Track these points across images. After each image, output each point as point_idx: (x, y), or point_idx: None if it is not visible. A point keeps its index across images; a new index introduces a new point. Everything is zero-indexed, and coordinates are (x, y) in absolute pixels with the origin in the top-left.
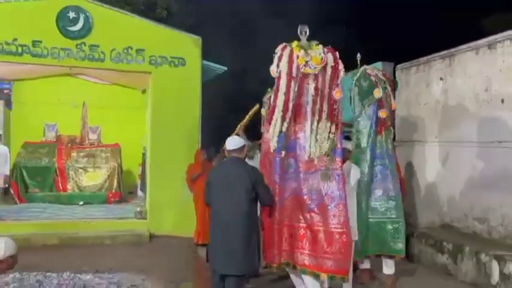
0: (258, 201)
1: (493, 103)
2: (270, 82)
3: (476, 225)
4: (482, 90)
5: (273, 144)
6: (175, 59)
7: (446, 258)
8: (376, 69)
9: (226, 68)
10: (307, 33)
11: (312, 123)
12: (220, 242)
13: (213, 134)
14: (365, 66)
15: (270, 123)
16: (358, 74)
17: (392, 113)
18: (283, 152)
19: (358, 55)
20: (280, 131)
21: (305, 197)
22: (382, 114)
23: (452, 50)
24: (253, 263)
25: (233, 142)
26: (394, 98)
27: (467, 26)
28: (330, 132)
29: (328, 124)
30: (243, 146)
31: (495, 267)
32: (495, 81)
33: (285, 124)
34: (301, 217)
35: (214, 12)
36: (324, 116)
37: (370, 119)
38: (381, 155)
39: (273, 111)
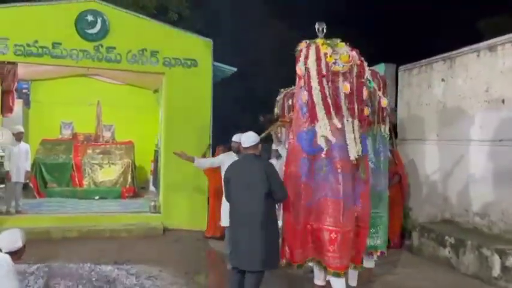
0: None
1: (494, 103)
2: (276, 82)
3: (477, 220)
4: (482, 91)
5: (324, 146)
6: (188, 60)
7: (448, 252)
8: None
9: (236, 69)
10: (325, 31)
11: (353, 123)
12: (241, 239)
13: (223, 132)
14: None
15: (312, 121)
16: None
17: (383, 109)
18: (325, 150)
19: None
20: (327, 131)
21: (341, 200)
22: (365, 112)
23: (454, 52)
24: (273, 258)
25: (249, 139)
26: (385, 95)
27: (463, 29)
28: (361, 132)
29: (358, 123)
30: (258, 143)
31: (496, 260)
32: (496, 82)
33: (335, 121)
34: (329, 219)
35: (222, 17)
36: (356, 114)
37: None
38: (367, 151)
39: (314, 109)
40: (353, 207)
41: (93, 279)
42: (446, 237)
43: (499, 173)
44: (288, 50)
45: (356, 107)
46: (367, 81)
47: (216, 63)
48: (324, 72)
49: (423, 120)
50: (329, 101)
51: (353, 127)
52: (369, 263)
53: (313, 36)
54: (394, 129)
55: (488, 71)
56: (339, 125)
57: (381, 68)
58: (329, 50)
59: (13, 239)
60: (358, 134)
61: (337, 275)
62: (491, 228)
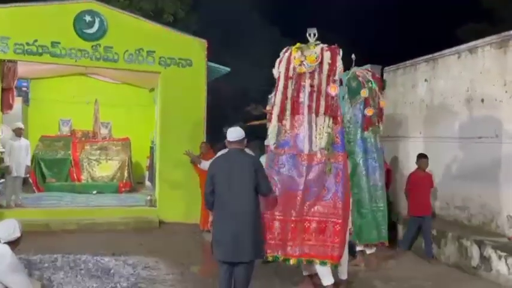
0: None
1: (474, 103)
2: (268, 82)
3: (458, 213)
4: (463, 90)
5: (270, 140)
6: (183, 60)
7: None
8: (365, 71)
9: (229, 69)
10: (316, 35)
11: (309, 119)
12: (229, 231)
13: (216, 129)
14: (355, 68)
15: (270, 122)
16: (349, 75)
17: (380, 110)
18: (272, 146)
19: (353, 56)
20: (277, 129)
21: (300, 191)
22: (369, 112)
23: (436, 54)
24: (260, 248)
25: (235, 133)
26: (383, 96)
27: (444, 34)
28: (328, 127)
29: (326, 119)
30: (244, 138)
31: (476, 250)
32: (476, 82)
33: (283, 121)
34: (293, 211)
35: (217, 19)
36: (322, 111)
37: (356, 116)
38: (370, 149)
39: (272, 110)
40: (319, 199)
41: (92, 269)
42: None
43: (478, 168)
44: (279, 52)
45: (322, 103)
46: (369, 83)
47: (210, 63)
48: (291, 74)
49: (407, 119)
50: (287, 101)
51: (315, 123)
52: (369, 249)
53: (303, 39)
54: None
55: (468, 72)
56: (290, 125)
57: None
58: (298, 53)
59: (11, 229)
60: (324, 129)
61: (323, 263)
62: (471, 221)
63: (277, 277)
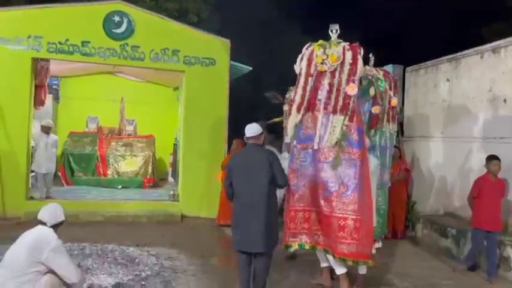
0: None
1: (496, 103)
2: (288, 81)
3: None
4: (485, 90)
5: (289, 135)
6: (207, 59)
7: (450, 242)
8: (375, 69)
9: (251, 68)
10: (338, 31)
11: (325, 117)
12: (244, 222)
13: (238, 127)
14: (365, 67)
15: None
16: (362, 74)
17: (392, 108)
18: (294, 142)
19: (371, 55)
20: (296, 124)
21: (320, 185)
22: (375, 110)
23: (459, 54)
24: (274, 239)
25: (252, 129)
26: (395, 95)
27: (469, 34)
28: (343, 124)
29: (341, 117)
30: (261, 133)
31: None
32: (498, 82)
33: (299, 117)
34: (315, 202)
35: (240, 19)
36: (338, 109)
37: (365, 115)
38: (373, 147)
39: (291, 106)
40: (339, 195)
41: (118, 258)
42: (448, 229)
43: None
44: (300, 51)
45: (340, 102)
46: (379, 81)
47: (233, 62)
48: (312, 71)
49: (428, 119)
50: (305, 98)
51: (331, 120)
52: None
53: (324, 37)
54: (400, 127)
55: (491, 72)
56: (308, 122)
57: (389, 69)
58: (320, 51)
59: (57, 212)
60: (339, 127)
61: (325, 251)
62: None
63: (295, 268)
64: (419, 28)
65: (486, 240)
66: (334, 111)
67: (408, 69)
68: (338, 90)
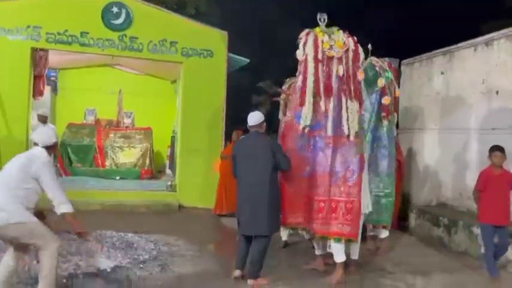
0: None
1: (489, 94)
2: (285, 74)
3: (470, 203)
4: (479, 83)
5: (307, 122)
6: (204, 51)
7: (442, 231)
8: (381, 60)
9: (249, 60)
10: (326, 20)
11: (340, 102)
12: (246, 206)
13: (235, 118)
14: (371, 58)
15: (301, 105)
16: (366, 65)
17: (395, 99)
18: (307, 128)
19: (369, 46)
20: (312, 110)
21: (327, 173)
22: (386, 101)
23: (453, 47)
24: (275, 224)
25: (253, 118)
26: (399, 86)
27: (467, 29)
28: (357, 111)
29: (355, 103)
30: (263, 121)
31: None
32: (491, 75)
33: (316, 103)
34: (320, 191)
35: (238, 12)
36: (352, 95)
37: (372, 105)
38: (381, 137)
39: (304, 93)
40: (342, 180)
41: (116, 243)
42: (441, 218)
43: None
44: (297, 44)
45: (352, 88)
46: (385, 72)
47: (231, 54)
48: (320, 57)
49: (423, 111)
50: (321, 84)
51: (347, 106)
52: (383, 234)
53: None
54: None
55: (484, 64)
56: (324, 107)
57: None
58: (325, 37)
59: (49, 134)
60: (355, 113)
61: (322, 238)
62: None
63: (289, 256)
64: (418, 23)
65: (496, 235)
66: (349, 97)
67: (404, 62)
68: (348, 76)
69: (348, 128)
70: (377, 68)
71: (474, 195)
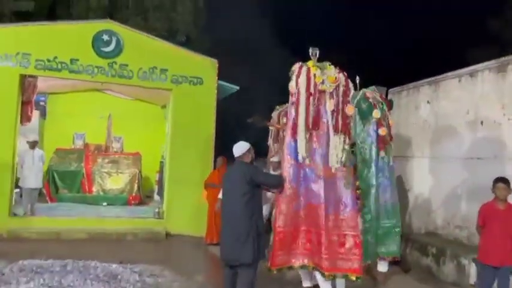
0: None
1: (474, 125)
2: (275, 101)
3: (457, 232)
4: (464, 113)
5: (302, 155)
6: (194, 78)
7: (430, 261)
8: (374, 92)
9: (238, 88)
10: (317, 55)
11: (329, 135)
12: (227, 235)
13: (225, 145)
14: (364, 90)
15: (292, 136)
16: (358, 97)
17: (390, 129)
18: (306, 160)
19: (357, 78)
20: (306, 143)
21: (323, 204)
22: (382, 132)
23: (438, 77)
24: (258, 252)
25: (238, 149)
26: (390, 115)
27: (454, 55)
28: (345, 143)
29: (343, 137)
30: (248, 150)
31: (473, 269)
32: (476, 105)
33: (307, 136)
34: (315, 223)
35: (228, 39)
36: (340, 129)
37: (370, 137)
38: (383, 167)
39: (295, 125)
40: (338, 213)
41: (100, 274)
42: (429, 247)
43: (477, 188)
44: (287, 71)
45: (340, 121)
46: (379, 104)
47: (221, 82)
48: (312, 91)
49: (411, 139)
50: (311, 117)
51: (333, 139)
52: (382, 267)
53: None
54: None
55: (469, 95)
56: (314, 140)
57: (371, 90)
58: (318, 71)
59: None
60: (342, 146)
61: (323, 275)
62: (470, 240)
63: (276, 285)
64: (404, 51)
65: (496, 276)
66: (336, 131)
67: (391, 90)
68: (338, 110)
69: (333, 160)
70: (370, 100)
71: (477, 230)
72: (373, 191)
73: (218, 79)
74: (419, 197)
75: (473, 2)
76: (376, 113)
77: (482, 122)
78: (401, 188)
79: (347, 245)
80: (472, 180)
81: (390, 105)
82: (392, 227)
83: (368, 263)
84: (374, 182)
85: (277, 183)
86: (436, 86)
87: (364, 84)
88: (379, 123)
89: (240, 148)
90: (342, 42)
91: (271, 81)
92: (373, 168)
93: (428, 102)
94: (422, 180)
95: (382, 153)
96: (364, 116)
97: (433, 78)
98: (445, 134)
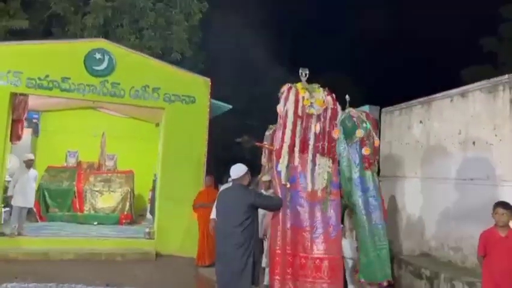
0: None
1: (466, 145)
2: (268, 120)
3: (452, 254)
4: (456, 133)
5: (283, 177)
6: (187, 97)
7: (424, 284)
8: (359, 112)
9: (231, 106)
10: (307, 75)
11: (314, 158)
12: (222, 264)
13: (217, 164)
14: (349, 109)
15: (278, 158)
16: (344, 116)
17: (375, 149)
18: (288, 184)
19: (347, 97)
20: (287, 165)
21: (307, 228)
22: (366, 151)
23: (430, 97)
24: (253, 278)
25: (234, 172)
26: (377, 135)
27: (448, 74)
28: (328, 167)
29: (327, 159)
30: (245, 173)
31: None
32: (467, 125)
33: (291, 158)
34: (302, 247)
35: (223, 58)
36: (325, 152)
37: (354, 156)
38: (369, 187)
39: (282, 148)
40: (322, 236)
41: None
42: (423, 270)
43: (470, 209)
44: (278, 97)
45: (326, 144)
46: (364, 123)
47: (214, 101)
48: (300, 113)
49: (403, 159)
50: (297, 140)
51: (318, 162)
52: None
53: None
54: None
55: (461, 115)
56: (298, 163)
57: (365, 109)
58: (306, 94)
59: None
60: (325, 168)
61: None
62: (465, 262)
63: None
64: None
65: None
66: (322, 154)
67: (384, 110)
68: (324, 133)
69: (319, 183)
70: (354, 119)
71: (478, 260)
72: (360, 211)
73: (211, 97)
74: (413, 217)
75: (467, 21)
76: (359, 132)
77: (474, 143)
78: (394, 208)
79: (334, 269)
80: (464, 201)
81: (376, 124)
82: (383, 248)
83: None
84: (360, 202)
85: (279, 206)
86: (429, 106)
87: (358, 103)
88: (362, 143)
89: (238, 170)
90: (337, 61)
91: (266, 99)
92: (354, 188)
93: (420, 122)
94: (415, 201)
95: (367, 173)
96: (349, 135)
97: (425, 98)
98: (438, 154)
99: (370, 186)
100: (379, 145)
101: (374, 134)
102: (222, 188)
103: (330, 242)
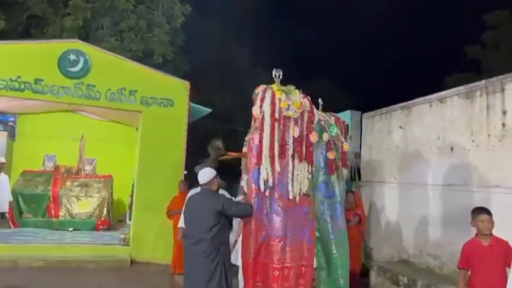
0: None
1: (444, 151)
2: (248, 123)
3: (430, 260)
4: (435, 138)
5: (262, 182)
6: (165, 100)
7: None
8: (328, 115)
9: (210, 110)
10: (281, 77)
11: (292, 164)
12: (189, 268)
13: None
14: (319, 112)
15: (256, 164)
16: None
17: (343, 153)
18: (268, 190)
19: (320, 100)
20: (269, 171)
21: (283, 237)
22: (331, 155)
23: (410, 102)
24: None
25: (203, 176)
26: (346, 140)
27: (432, 82)
28: (308, 172)
29: (306, 165)
30: (213, 178)
31: None
32: (446, 131)
33: (272, 163)
34: (275, 258)
35: (204, 62)
36: (303, 157)
37: (319, 161)
38: (334, 193)
39: (260, 152)
40: (298, 245)
41: None
42: (400, 277)
43: (448, 216)
44: (253, 99)
45: (304, 149)
46: (331, 127)
47: (193, 104)
48: (277, 116)
49: (383, 164)
50: (276, 144)
51: (296, 167)
52: None
53: (292, 82)
54: (358, 171)
55: (439, 121)
56: (278, 168)
57: (347, 115)
58: (283, 96)
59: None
60: (305, 174)
61: None
62: (442, 269)
63: None
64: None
65: None
66: (300, 159)
67: (365, 115)
68: (302, 137)
69: (296, 190)
70: (322, 123)
71: (459, 274)
72: (321, 215)
73: (190, 101)
74: (392, 223)
75: (453, 28)
76: (325, 136)
77: (452, 148)
78: (373, 214)
79: (306, 277)
80: (443, 207)
81: (346, 129)
82: (345, 258)
83: None
84: (323, 207)
85: (250, 213)
86: (409, 111)
87: (344, 108)
88: (328, 147)
89: (206, 175)
90: (324, 68)
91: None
92: (317, 193)
93: (400, 127)
94: (394, 207)
95: (332, 177)
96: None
97: (405, 103)
98: (417, 160)
99: (336, 191)
100: (349, 150)
101: (343, 138)
102: (190, 193)
103: (303, 250)
